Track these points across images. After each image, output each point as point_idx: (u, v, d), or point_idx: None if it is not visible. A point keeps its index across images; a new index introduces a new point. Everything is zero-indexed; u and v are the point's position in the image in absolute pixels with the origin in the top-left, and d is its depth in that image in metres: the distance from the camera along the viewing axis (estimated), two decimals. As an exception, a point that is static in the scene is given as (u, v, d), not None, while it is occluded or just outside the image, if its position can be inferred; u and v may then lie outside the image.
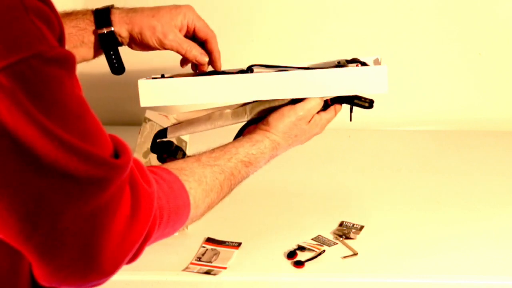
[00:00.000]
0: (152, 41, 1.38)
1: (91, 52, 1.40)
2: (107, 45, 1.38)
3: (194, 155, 1.21)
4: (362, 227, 1.52)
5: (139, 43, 1.40)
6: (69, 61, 0.87)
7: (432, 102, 2.03)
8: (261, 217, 1.57)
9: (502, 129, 1.99)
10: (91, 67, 1.99)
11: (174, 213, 1.02)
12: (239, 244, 1.45)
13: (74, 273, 0.88)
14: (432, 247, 1.47)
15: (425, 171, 1.78)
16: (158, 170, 1.06)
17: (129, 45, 1.41)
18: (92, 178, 0.85)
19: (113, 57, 1.40)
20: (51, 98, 0.84)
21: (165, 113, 1.87)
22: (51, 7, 0.87)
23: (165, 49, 1.39)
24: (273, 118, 1.33)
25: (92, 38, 1.39)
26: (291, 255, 1.42)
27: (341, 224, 1.53)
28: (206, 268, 1.38)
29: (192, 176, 1.11)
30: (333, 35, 1.96)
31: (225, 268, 1.38)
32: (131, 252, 0.92)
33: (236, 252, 1.43)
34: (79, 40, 1.38)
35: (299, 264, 1.40)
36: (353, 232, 1.50)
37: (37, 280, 0.90)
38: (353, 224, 1.53)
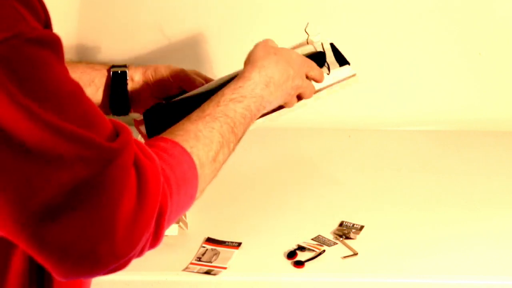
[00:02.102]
0: (167, 72, 1.40)
1: (99, 93, 1.39)
2: (117, 84, 1.38)
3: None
4: (362, 227, 1.52)
5: (153, 82, 1.40)
6: (55, 43, 0.85)
7: (432, 102, 2.03)
8: (261, 217, 1.57)
9: (502, 129, 1.99)
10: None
11: (182, 179, 0.99)
12: (239, 244, 1.45)
13: (82, 260, 0.85)
14: (432, 247, 1.47)
15: (425, 171, 1.78)
16: (155, 142, 1.02)
17: (140, 93, 1.41)
18: (85, 161, 0.83)
19: (121, 98, 1.39)
20: (36, 80, 0.82)
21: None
22: None
23: (176, 80, 1.40)
24: (259, 55, 1.25)
25: (103, 79, 1.39)
26: (291, 255, 1.42)
27: (341, 224, 1.53)
28: (206, 268, 1.38)
29: (187, 135, 1.05)
30: (333, 35, 1.96)
31: (225, 268, 1.38)
32: (146, 230, 0.89)
33: (236, 252, 1.43)
34: (90, 79, 1.38)
35: (299, 264, 1.40)
36: (353, 232, 1.50)
37: (53, 276, 0.88)
38: (353, 224, 1.53)
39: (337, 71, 1.42)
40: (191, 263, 1.40)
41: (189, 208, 1.03)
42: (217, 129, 1.09)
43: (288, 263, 1.41)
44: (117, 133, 0.89)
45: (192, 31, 1.95)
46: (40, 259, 0.86)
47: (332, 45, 1.44)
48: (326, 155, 1.86)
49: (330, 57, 1.42)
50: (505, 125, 2.00)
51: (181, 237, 1.48)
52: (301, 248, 1.44)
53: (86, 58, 1.94)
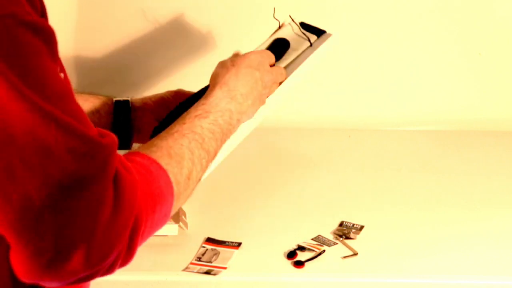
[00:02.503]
0: (165, 93, 1.40)
1: (102, 121, 1.37)
2: (119, 112, 1.37)
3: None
4: (362, 227, 1.52)
5: (153, 105, 1.39)
6: (48, 35, 0.84)
7: (432, 102, 2.03)
8: (261, 217, 1.57)
9: (502, 129, 1.99)
10: (89, 66, 2.00)
11: (158, 196, 0.97)
12: (239, 244, 1.45)
13: (54, 262, 0.83)
14: (432, 247, 1.47)
15: (425, 171, 1.78)
16: (132, 156, 1.00)
17: (142, 118, 1.40)
18: (75, 153, 0.81)
19: (124, 125, 1.38)
20: (27, 64, 0.81)
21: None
22: None
23: (176, 98, 1.39)
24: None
25: (106, 107, 1.38)
26: (291, 255, 1.42)
27: (341, 224, 1.53)
28: (206, 268, 1.38)
29: (160, 152, 1.03)
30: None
31: (225, 268, 1.38)
32: (119, 241, 0.87)
33: (236, 252, 1.43)
34: (93, 106, 1.37)
35: (299, 264, 1.40)
36: (353, 232, 1.50)
37: (18, 276, 0.85)
38: (353, 224, 1.53)
39: (317, 41, 1.41)
40: (191, 263, 1.40)
41: (161, 227, 1.01)
42: (186, 146, 1.07)
43: (288, 263, 1.41)
44: (101, 135, 0.87)
45: (189, 27, 1.95)
46: (13, 251, 0.84)
47: (302, 23, 1.43)
48: (326, 155, 1.86)
49: (306, 34, 1.41)
50: (505, 125, 2.00)
51: (181, 237, 1.48)
52: (301, 248, 1.44)
53: (82, 59, 1.94)
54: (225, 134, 1.15)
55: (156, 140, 1.06)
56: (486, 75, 2.01)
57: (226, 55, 1.29)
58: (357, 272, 1.40)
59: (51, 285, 0.87)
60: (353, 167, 1.80)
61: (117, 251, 0.88)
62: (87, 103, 1.37)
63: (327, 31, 1.41)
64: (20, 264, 0.84)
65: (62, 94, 0.83)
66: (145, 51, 1.96)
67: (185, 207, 1.54)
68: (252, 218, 1.56)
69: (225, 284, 1.37)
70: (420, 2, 1.95)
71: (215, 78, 1.21)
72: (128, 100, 1.38)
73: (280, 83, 1.31)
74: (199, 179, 1.09)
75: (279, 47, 1.36)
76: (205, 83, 1.26)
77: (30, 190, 0.80)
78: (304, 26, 1.42)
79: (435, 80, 2.02)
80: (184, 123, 1.11)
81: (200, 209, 1.54)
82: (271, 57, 1.30)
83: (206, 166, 1.10)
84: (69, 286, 0.94)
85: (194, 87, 1.34)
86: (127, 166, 0.91)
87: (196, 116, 1.13)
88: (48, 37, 0.84)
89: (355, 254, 1.44)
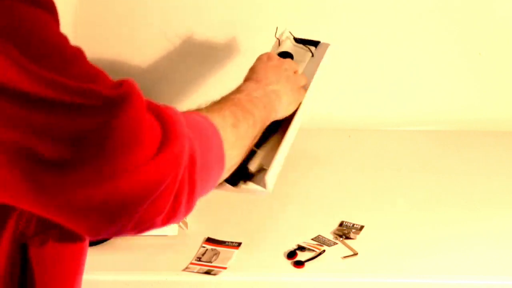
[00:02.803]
0: None
1: None
2: None
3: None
4: (362, 227, 1.52)
5: None
6: (51, 6, 0.84)
7: (432, 102, 2.03)
8: (261, 217, 1.57)
9: (502, 129, 1.99)
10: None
11: (205, 135, 0.97)
12: (239, 244, 1.45)
13: (100, 211, 0.81)
14: (432, 247, 1.47)
15: (425, 171, 1.78)
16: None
17: None
18: (88, 110, 0.81)
19: None
20: (29, 37, 0.81)
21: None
22: None
23: None
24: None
25: None
26: (291, 255, 1.42)
27: (341, 224, 1.53)
28: (206, 268, 1.38)
29: (211, 112, 1.05)
30: (333, 35, 1.96)
31: (225, 268, 1.38)
32: (171, 172, 0.84)
33: (236, 252, 1.43)
34: None
35: (299, 264, 1.40)
36: (353, 232, 1.50)
37: (81, 233, 0.84)
38: (353, 224, 1.53)
39: (317, 51, 1.43)
40: (191, 263, 1.40)
41: (214, 186, 1.02)
42: (226, 108, 1.09)
43: (288, 263, 1.41)
44: (120, 84, 0.86)
45: (194, 34, 1.95)
46: (55, 218, 0.83)
47: (296, 39, 1.45)
48: (326, 155, 1.86)
49: (303, 47, 1.44)
50: (505, 125, 2.00)
51: (181, 237, 1.48)
52: (301, 248, 1.44)
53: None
54: (267, 108, 1.19)
55: (206, 106, 1.09)
56: (486, 75, 2.01)
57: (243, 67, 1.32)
58: (357, 272, 1.40)
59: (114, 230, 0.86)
60: (353, 167, 1.80)
61: (174, 178, 0.85)
62: None
63: (321, 41, 1.46)
64: (70, 226, 0.83)
65: (70, 57, 0.83)
66: (168, 69, 1.98)
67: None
68: (252, 218, 1.56)
69: (225, 284, 1.37)
70: (420, 2, 1.95)
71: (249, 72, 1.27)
72: None
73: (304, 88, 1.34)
74: (252, 136, 1.13)
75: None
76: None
77: (55, 147, 0.80)
78: (299, 40, 1.45)
79: (435, 80, 2.02)
80: (220, 99, 1.14)
81: (200, 209, 1.54)
82: (294, 64, 1.35)
83: (254, 125, 1.13)
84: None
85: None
86: (169, 108, 0.90)
87: (231, 94, 1.17)
88: (50, 7, 0.84)
89: (355, 254, 1.44)
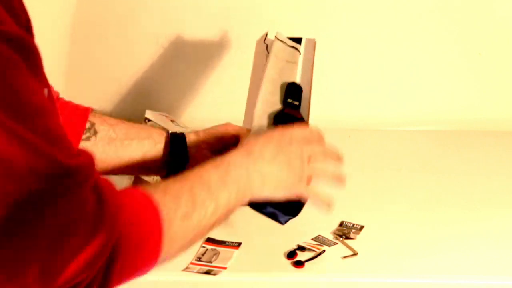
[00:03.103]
0: (215, 126, 1.40)
1: (157, 147, 1.36)
2: (176, 142, 1.37)
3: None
4: (362, 227, 1.52)
5: (204, 134, 1.39)
6: (27, 48, 0.77)
7: (432, 102, 2.03)
8: (261, 217, 1.56)
9: (502, 129, 1.99)
10: (89, 66, 2.00)
11: (142, 229, 0.91)
12: (239, 244, 1.45)
13: (9, 281, 0.76)
14: (432, 247, 1.47)
15: (425, 171, 1.78)
16: (125, 188, 0.94)
17: (195, 148, 1.39)
18: (37, 174, 0.76)
19: (180, 154, 1.37)
20: None
21: (165, 113, 1.88)
22: None
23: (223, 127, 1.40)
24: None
25: (162, 137, 1.37)
26: (291, 255, 1.42)
27: (341, 224, 1.53)
28: (206, 268, 1.38)
29: (155, 188, 0.98)
30: (333, 35, 1.96)
31: (225, 268, 1.38)
32: (88, 269, 0.82)
33: (236, 252, 1.43)
34: (148, 134, 1.36)
35: (299, 264, 1.40)
36: (353, 232, 1.50)
37: None
38: (353, 224, 1.53)
39: (305, 49, 1.43)
40: (191, 263, 1.40)
41: (148, 270, 0.93)
42: (187, 188, 1.01)
43: (288, 263, 1.41)
44: (76, 155, 0.82)
45: (189, 38, 1.96)
46: None
47: (277, 38, 1.44)
48: (326, 155, 1.85)
49: (289, 45, 1.43)
50: (505, 125, 2.00)
51: (181, 237, 1.48)
52: (301, 248, 1.44)
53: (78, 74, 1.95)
54: (240, 191, 1.08)
55: (155, 183, 1.05)
56: (486, 75, 2.01)
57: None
58: (357, 272, 1.40)
59: None
60: (353, 167, 1.79)
61: (85, 279, 0.82)
62: (142, 131, 1.36)
63: (303, 37, 1.44)
64: None
65: (36, 111, 0.78)
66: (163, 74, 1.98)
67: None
68: (252, 218, 1.56)
69: (225, 284, 1.37)
70: (420, 2, 1.95)
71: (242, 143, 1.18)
72: (183, 133, 1.39)
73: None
74: (209, 227, 1.03)
75: (295, 91, 1.41)
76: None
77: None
78: (282, 39, 1.46)
79: (435, 80, 2.02)
80: (193, 170, 1.06)
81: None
82: (309, 141, 1.25)
83: (214, 214, 1.03)
84: None
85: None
86: (113, 191, 0.87)
87: (205, 167, 1.07)
88: (26, 51, 0.77)
89: (355, 254, 1.44)
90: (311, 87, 1.41)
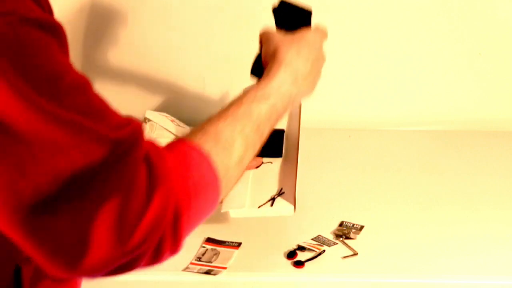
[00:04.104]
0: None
1: None
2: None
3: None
4: (362, 227, 1.52)
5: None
6: (56, 30, 0.81)
7: (432, 102, 2.03)
8: (261, 217, 1.56)
9: (502, 129, 1.99)
10: (89, 66, 2.00)
11: (199, 182, 0.93)
12: (239, 244, 1.45)
13: (75, 257, 0.80)
14: (432, 247, 1.47)
15: (425, 171, 1.78)
16: (173, 144, 0.96)
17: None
18: (83, 149, 0.79)
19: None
20: (31, 62, 0.78)
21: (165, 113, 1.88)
22: None
23: None
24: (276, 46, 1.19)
25: None
26: (291, 255, 1.42)
27: (341, 224, 1.53)
28: (206, 268, 1.38)
29: (206, 136, 0.98)
30: (333, 35, 1.96)
31: (225, 268, 1.38)
32: (154, 231, 0.84)
33: (236, 252, 1.43)
34: None
35: (299, 264, 1.40)
36: (353, 232, 1.50)
37: (48, 273, 0.83)
38: (353, 224, 1.53)
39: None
40: (191, 263, 1.40)
41: (212, 212, 0.97)
42: (238, 131, 1.02)
43: (288, 263, 1.41)
44: (121, 126, 0.84)
45: (190, 37, 1.95)
46: (31, 252, 0.82)
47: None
48: (326, 155, 1.86)
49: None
50: (505, 125, 2.00)
51: (181, 237, 1.47)
52: (301, 248, 1.44)
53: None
54: (280, 116, 1.12)
55: (205, 124, 1.01)
56: (486, 75, 2.01)
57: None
58: (357, 272, 1.40)
59: (81, 277, 0.85)
60: (353, 167, 1.80)
61: (153, 242, 0.85)
62: None
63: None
64: (42, 263, 0.82)
65: (73, 87, 0.81)
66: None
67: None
68: (252, 218, 1.56)
69: (225, 284, 1.37)
70: (420, 2, 1.95)
71: (277, 55, 1.17)
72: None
73: None
74: (249, 162, 1.06)
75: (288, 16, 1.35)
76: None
77: (42, 184, 0.78)
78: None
79: (435, 80, 2.02)
80: (242, 104, 1.06)
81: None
82: (325, 35, 1.29)
83: (259, 150, 1.07)
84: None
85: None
86: (162, 153, 0.88)
87: (255, 98, 1.08)
88: (56, 32, 0.81)
89: (355, 254, 1.44)
90: None
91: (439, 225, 1.55)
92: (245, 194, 1.46)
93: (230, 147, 1.00)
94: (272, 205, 1.42)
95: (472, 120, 2.01)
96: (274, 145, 1.56)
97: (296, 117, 1.61)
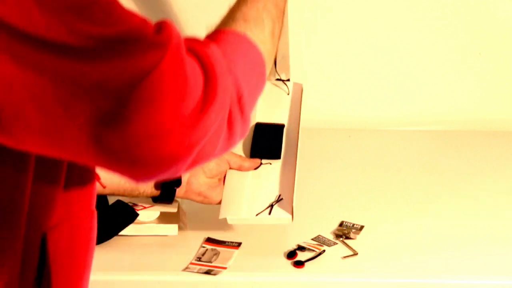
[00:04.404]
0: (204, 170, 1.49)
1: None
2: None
3: None
4: (362, 227, 1.52)
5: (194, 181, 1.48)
6: None
7: (432, 102, 2.03)
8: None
9: (502, 129, 1.99)
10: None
11: (247, 61, 0.98)
12: (239, 244, 1.45)
13: (151, 158, 0.81)
14: (432, 247, 1.47)
15: (425, 171, 1.78)
16: (206, 38, 0.99)
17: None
18: (132, 56, 0.80)
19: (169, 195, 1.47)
20: None
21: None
22: None
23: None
24: None
25: None
26: (291, 255, 1.42)
27: (341, 224, 1.53)
28: (206, 268, 1.38)
29: (235, 23, 1.04)
30: (333, 35, 1.97)
31: (225, 268, 1.38)
32: (220, 112, 0.85)
33: (236, 252, 1.43)
34: None
35: (299, 264, 1.40)
36: (353, 232, 1.50)
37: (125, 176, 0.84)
38: (353, 224, 1.53)
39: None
40: (191, 263, 1.40)
41: (264, 86, 1.01)
42: (261, 8, 1.09)
43: (288, 263, 1.41)
44: (160, 27, 0.85)
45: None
46: (108, 167, 0.83)
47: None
48: (326, 155, 1.86)
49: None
50: (505, 125, 2.00)
51: (181, 237, 1.48)
52: (301, 248, 1.44)
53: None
54: None
55: (230, 13, 1.07)
56: (486, 75, 2.01)
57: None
58: (357, 272, 1.40)
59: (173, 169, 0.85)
60: (353, 167, 1.80)
61: (223, 120, 0.87)
62: None
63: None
64: (121, 174, 0.83)
65: (105, 2, 0.82)
66: None
67: (185, 207, 1.54)
68: (252, 218, 1.56)
69: (225, 284, 1.37)
70: (420, 2, 1.95)
71: None
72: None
73: None
74: (279, 35, 1.12)
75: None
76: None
77: (100, 102, 0.79)
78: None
79: (435, 80, 2.02)
80: None
81: (200, 209, 1.54)
82: None
83: (282, 22, 1.14)
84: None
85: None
86: (204, 42, 0.91)
87: None
88: None
89: (355, 254, 1.44)
90: None
91: (439, 225, 1.55)
92: (243, 199, 1.46)
93: (260, 24, 1.06)
94: (270, 213, 1.42)
95: (472, 120, 2.01)
96: (273, 146, 1.56)
97: (296, 117, 1.61)
